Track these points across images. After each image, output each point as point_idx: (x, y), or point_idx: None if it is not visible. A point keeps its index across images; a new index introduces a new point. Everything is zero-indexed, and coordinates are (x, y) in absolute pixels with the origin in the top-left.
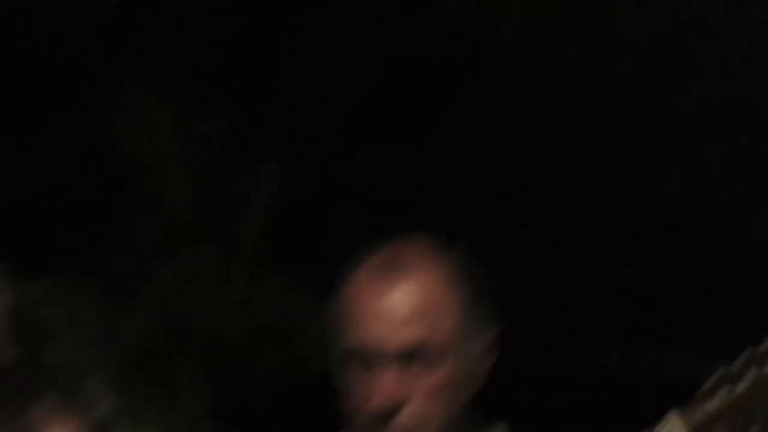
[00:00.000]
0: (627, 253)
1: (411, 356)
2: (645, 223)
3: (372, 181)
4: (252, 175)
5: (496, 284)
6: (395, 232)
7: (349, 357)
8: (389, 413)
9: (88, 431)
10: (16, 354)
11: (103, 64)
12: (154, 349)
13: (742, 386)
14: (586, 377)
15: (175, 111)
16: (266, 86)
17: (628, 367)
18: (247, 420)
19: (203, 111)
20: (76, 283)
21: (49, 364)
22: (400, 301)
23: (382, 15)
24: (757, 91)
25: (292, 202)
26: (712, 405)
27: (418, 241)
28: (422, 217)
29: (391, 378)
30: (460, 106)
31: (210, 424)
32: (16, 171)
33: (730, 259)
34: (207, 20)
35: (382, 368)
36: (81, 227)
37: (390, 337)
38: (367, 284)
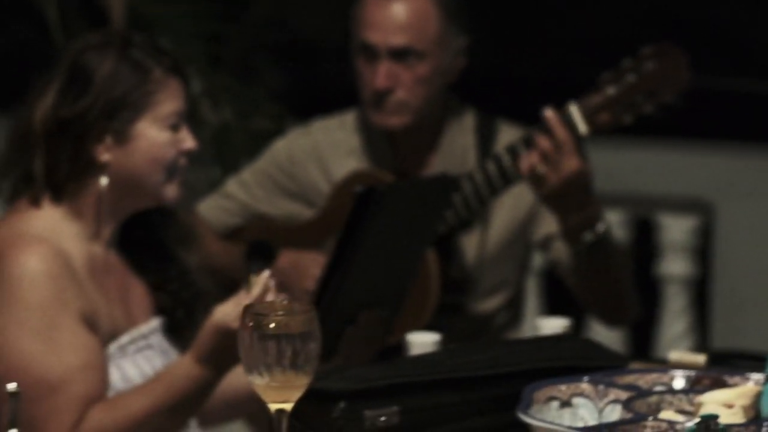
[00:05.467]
0: None
1: (401, 54)
2: None
3: None
4: None
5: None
6: None
7: (359, 49)
8: (385, 92)
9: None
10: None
11: None
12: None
13: (620, 86)
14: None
15: None
16: None
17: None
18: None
19: None
20: None
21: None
22: (396, 13)
23: None
24: None
25: None
26: (600, 98)
27: None
28: None
29: (387, 67)
30: None
31: (277, 107)
32: None
33: None
34: None
35: (381, 60)
36: None
37: (386, 38)
38: None
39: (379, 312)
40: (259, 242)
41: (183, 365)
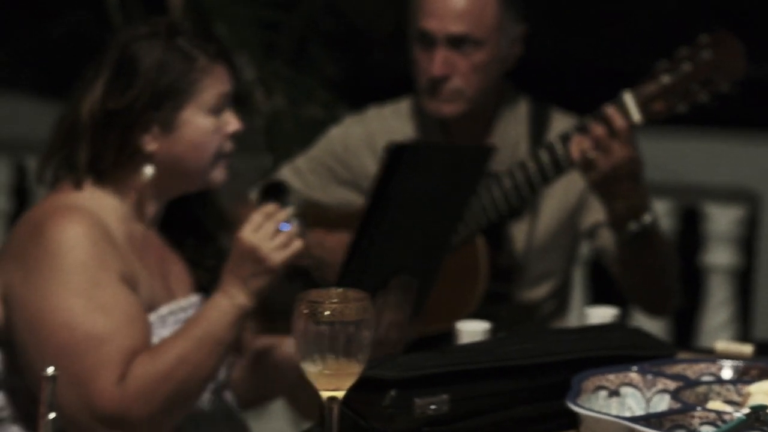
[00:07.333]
0: None
1: (458, 42)
2: None
3: None
4: None
5: None
6: None
7: (416, 37)
8: (441, 80)
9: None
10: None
11: None
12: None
13: (675, 74)
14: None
15: None
16: None
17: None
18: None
19: None
20: None
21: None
22: (454, 1)
23: None
24: None
25: None
26: (655, 86)
27: None
28: None
29: (444, 55)
30: None
31: (330, 95)
32: None
33: None
34: None
35: (438, 47)
36: None
37: (444, 26)
38: None
39: (410, 279)
40: (273, 181)
41: (213, 301)
